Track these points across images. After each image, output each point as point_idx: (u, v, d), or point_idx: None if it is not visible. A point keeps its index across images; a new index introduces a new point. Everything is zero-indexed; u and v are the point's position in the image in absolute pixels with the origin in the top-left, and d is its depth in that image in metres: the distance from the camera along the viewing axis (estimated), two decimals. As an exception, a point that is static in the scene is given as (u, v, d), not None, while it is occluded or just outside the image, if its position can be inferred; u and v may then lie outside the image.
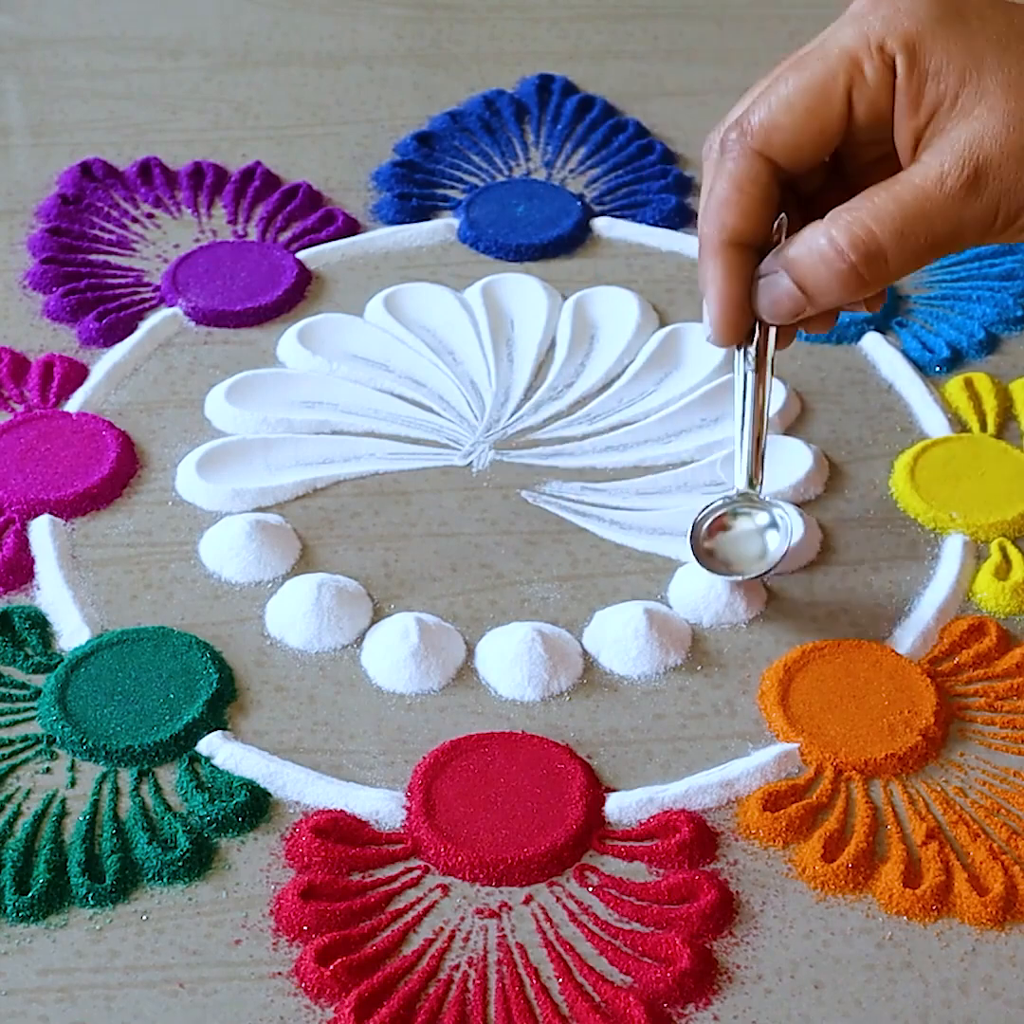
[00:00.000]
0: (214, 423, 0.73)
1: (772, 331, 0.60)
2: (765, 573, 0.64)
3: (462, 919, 0.55)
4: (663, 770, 0.60)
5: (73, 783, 0.59)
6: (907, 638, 0.64)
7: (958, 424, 0.74)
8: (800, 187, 0.60)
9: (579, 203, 0.85)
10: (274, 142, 0.91)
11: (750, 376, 0.61)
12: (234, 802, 0.58)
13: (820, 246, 0.57)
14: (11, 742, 0.60)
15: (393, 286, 0.80)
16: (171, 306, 0.79)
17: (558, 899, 0.56)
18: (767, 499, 0.64)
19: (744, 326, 0.60)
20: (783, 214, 0.59)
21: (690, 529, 0.64)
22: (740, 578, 0.64)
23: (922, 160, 0.56)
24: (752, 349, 0.61)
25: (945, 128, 0.56)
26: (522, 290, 0.80)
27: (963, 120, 0.55)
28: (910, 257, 0.57)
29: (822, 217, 0.57)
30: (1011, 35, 0.56)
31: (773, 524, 0.63)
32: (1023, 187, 0.55)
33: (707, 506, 0.64)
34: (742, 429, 0.62)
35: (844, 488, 0.71)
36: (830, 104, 0.57)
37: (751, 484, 0.63)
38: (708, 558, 0.64)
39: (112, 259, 0.82)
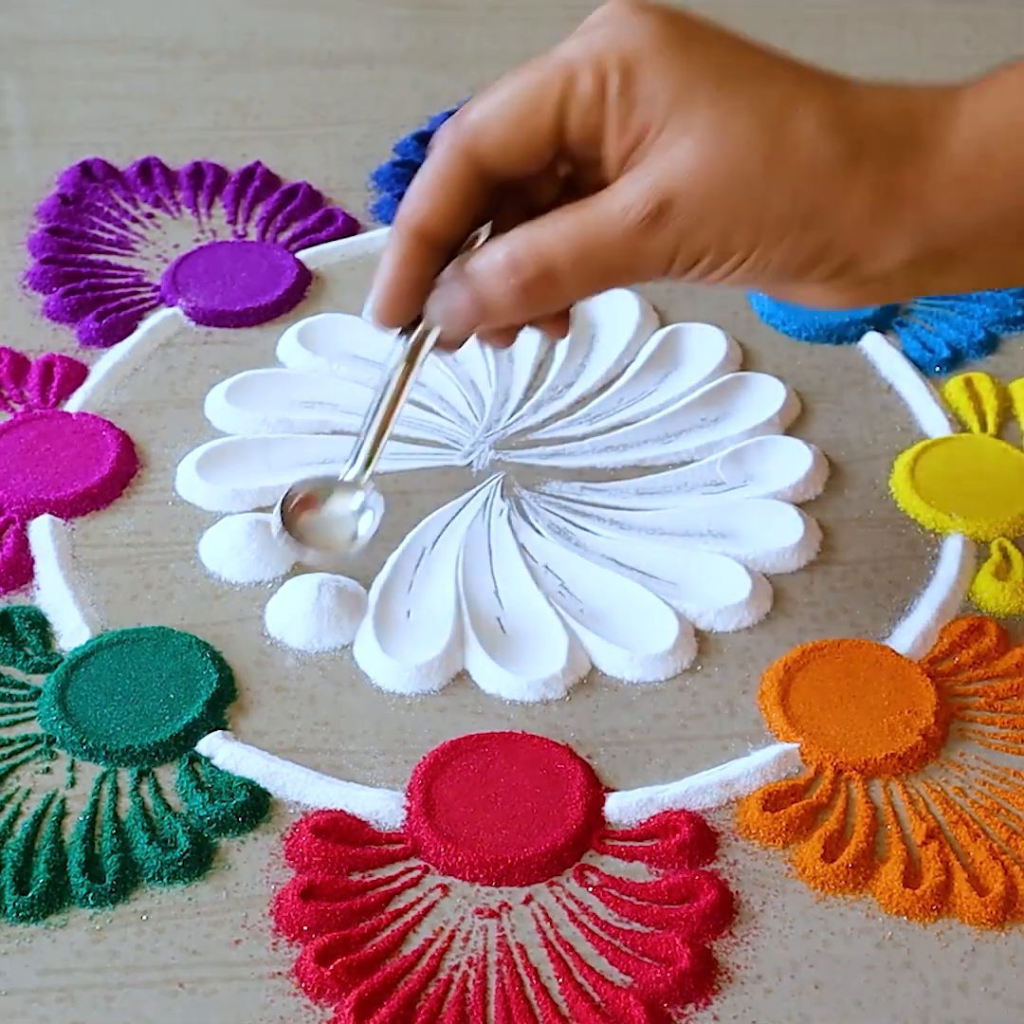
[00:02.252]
0: (214, 423, 0.73)
1: (435, 331, 0.58)
2: (343, 556, 0.62)
3: (462, 919, 0.55)
4: (663, 770, 0.60)
5: (73, 783, 0.59)
6: (907, 638, 0.64)
7: (958, 424, 0.74)
8: (532, 196, 0.58)
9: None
10: (274, 142, 0.91)
11: (399, 368, 0.59)
12: (234, 802, 0.58)
13: (497, 260, 0.55)
14: (11, 742, 0.60)
15: (393, 286, 0.80)
16: (171, 306, 0.79)
17: (558, 899, 0.56)
18: (367, 485, 0.61)
19: (406, 315, 0.58)
20: (488, 224, 0.58)
21: (279, 502, 0.61)
22: (323, 558, 0.62)
23: (615, 187, 0.54)
24: (411, 339, 0.58)
25: (645, 158, 0.54)
26: (522, 290, 0.80)
27: (662, 153, 0.54)
28: (585, 282, 0.55)
29: None
30: (730, 74, 0.54)
31: (364, 508, 0.61)
32: (706, 230, 0.54)
33: (301, 481, 0.61)
34: (374, 416, 0.60)
35: (844, 488, 0.71)
36: (541, 113, 0.55)
37: (360, 474, 0.60)
38: (293, 534, 0.61)
39: (112, 259, 0.82)
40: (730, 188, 0.53)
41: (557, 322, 0.60)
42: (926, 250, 0.54)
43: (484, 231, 0.58)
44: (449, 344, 0.59)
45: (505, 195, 0.58)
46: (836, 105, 0.54)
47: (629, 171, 0.54)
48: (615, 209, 0.54)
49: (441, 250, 0.57)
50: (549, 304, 0.56)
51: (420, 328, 0.58)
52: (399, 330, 0.58)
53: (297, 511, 0.61)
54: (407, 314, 0.58)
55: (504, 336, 0.61)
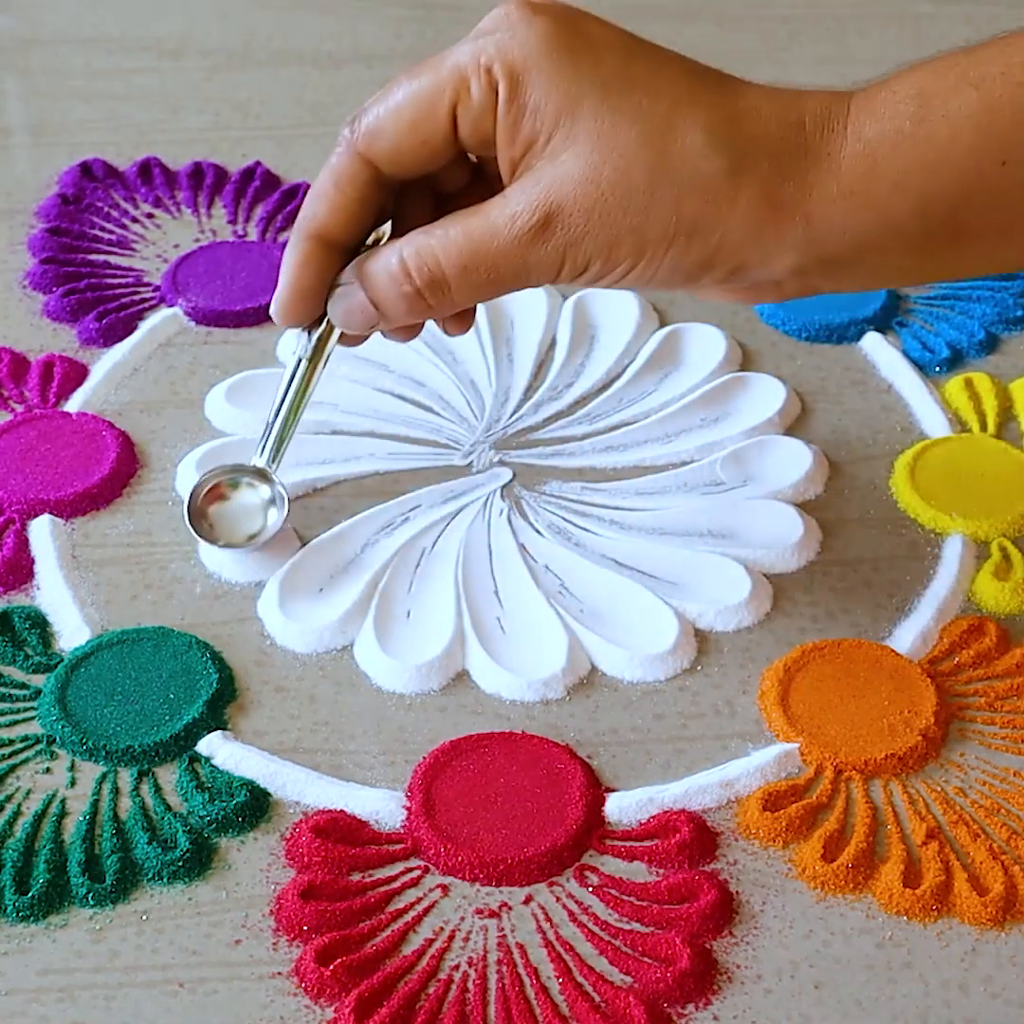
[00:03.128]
0: (214, 423, 0.73)
1: (337, 331, 0.61)
2: (251, 547, 0.66)
3: (462, 919, 0.55)
4: (663, 770, 0.60)
5: (73, 783, 0.59)
6: (907, 638, 0.64)
7: (958, 424, 0.74)
8: (440, 186, 0.60)
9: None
10: (274, 142, 0.91)
11: (303, 363, 0.63)
12: (234, 802, 0.58)
13: (391, 265, 0.57)
14: (11, 742, 0.60)
15: (393, 286, 0.80)
16: (171, 306, 0.79)
17: (558, 899, 0.56)
18: (276, 478, 0.66)
19: (309, 315, 0.60)
20: (388, 223, 0.59)
21: (189, 493, 0.65)
22: (232, 548, 0.66)
23: (504, 196, 0.55)
24: (315, 335, 0.62)
25: (532, 167, 0.55)
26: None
27: (549, 163, 0.54)
28: (473, 290, 0.56)
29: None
30: (618, 83, 0.54)
31: (273, 501, 0.66)
32: (591, 240, 0.54)
33: (211, 471, 0.66)
34: (278, 410, 0.64)
35: (844, 488, 0.71)
36: (435, 119, 0.56)
37: (269, 463, 0.65)
38: (201, 523, 0.66)
39: (112, 259, 0.82)
40: (614, 200, 0.54)
41: (456, 321, 0.61)
42: (814, 259, 0.55)
43: (386, 229, 0.59)
44: (352, 340, 0.62)
45: (408, 187, 0.59)
46: (723, 115, 0.54)
47: (518, 179, 0.55)
48: (502, 220, 0.55)
49: (341, 250, 0.59)
50: (440, 309, 0.58)
51: (323, 325, 0.61)
52: (302, 327, 0.61)
53: (205, 503, 0.66)
54: (309, 314, 0.60)
55: (405, 333, 0.62)
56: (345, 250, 0.59)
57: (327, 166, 0.58)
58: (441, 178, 0.59)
